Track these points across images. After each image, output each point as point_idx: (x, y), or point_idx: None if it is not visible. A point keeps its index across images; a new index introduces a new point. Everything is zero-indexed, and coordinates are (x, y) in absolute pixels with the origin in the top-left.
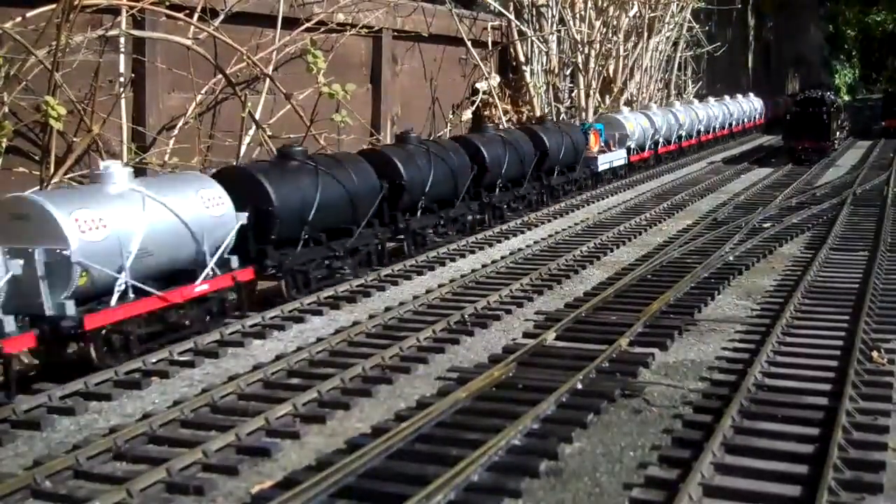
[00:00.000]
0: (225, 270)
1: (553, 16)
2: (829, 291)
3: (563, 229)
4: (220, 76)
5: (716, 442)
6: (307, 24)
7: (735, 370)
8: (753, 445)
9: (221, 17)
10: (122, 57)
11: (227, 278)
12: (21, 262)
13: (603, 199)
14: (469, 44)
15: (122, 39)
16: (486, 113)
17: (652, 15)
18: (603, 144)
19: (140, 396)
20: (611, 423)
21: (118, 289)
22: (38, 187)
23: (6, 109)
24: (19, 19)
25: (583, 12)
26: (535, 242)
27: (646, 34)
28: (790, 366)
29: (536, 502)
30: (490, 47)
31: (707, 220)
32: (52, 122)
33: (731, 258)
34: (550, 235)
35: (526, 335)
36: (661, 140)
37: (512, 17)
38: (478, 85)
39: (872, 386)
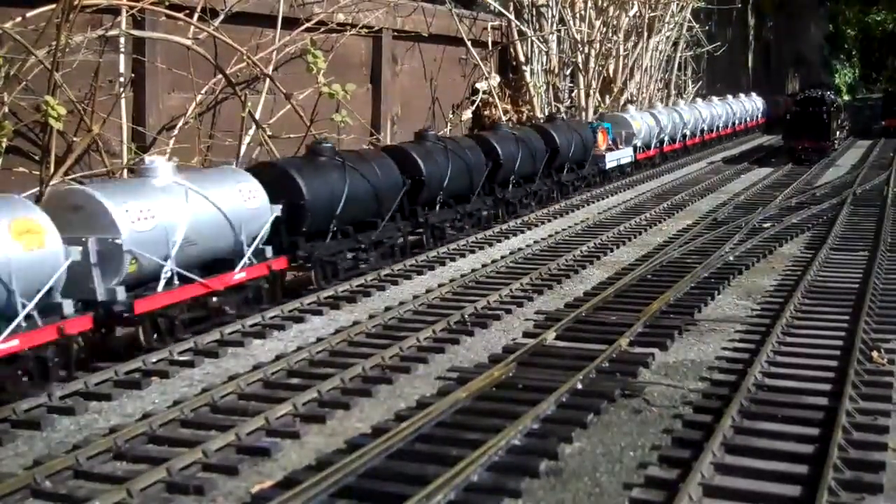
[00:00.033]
0: (260, 260)
1: (553, 16)
2: (829, 291)
3: (563, 229)
4: (220, 76)
5: (716, 442)
6: (307, 24)
7: (735, 370)
8: (753, 445)
9: (221, 17)
10: (122, 57)
11: (263, 267)
12: (80, 249)
13: (603, 198)
14: (469, 44)
15: (122, 39)
16: (486, 113)
17: (652, 15)
18: (610, 142)
19: (140, 396)
20: (611, 423)
21: (164, 276)
22: (38, 187)
23: (6, 109)
24: (19, 19)
25: (583, 12)
26: (535, 242)
27: (646, 34)
28: (790, 366)
29: (536, 502)
30: (490, 47)
31: (707, 220)
32: (52, 122)
33: (731, 258)
34: (550, 235)
35: (526, 335)
36: (666, 138)
37: (512, 17)
38: (478, 85)
39: (872, 386)
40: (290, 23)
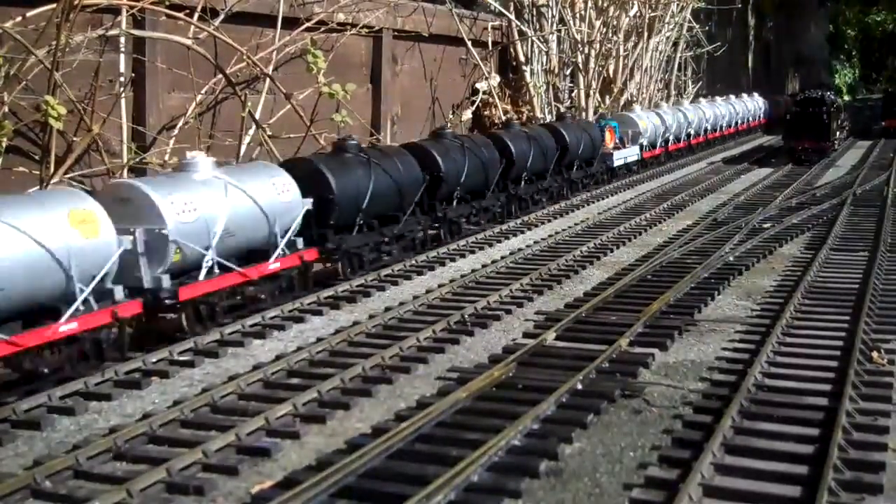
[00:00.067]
0: (293, 251)
1: (553, 16)
2: (829, 292)
3: (563, 229)
4: (220, 76)
5: (716, 442)
6: (307, 24)
7: (735, 370)
8: (753, 446)
9: (221, 16)
10: (122, 57)
11: (295, 258)
12: (131, 238)
13: (603, 198)
14: (469, 44)
15: (122, 39)
16: (486, 113)
17: (652, 15)
18: (618, 141)
19: (140, 396)
20: (611, 424)
21: (206, 265)
22: (38, 187)
23: (6, 109)
24: (19, 19)
25: (583, 12)
26: (535, 242)
27: (646, 34)
28: (790, 366)
29: (536, 502)
30: (490, 47)
31: (707, 221)
32: (52, 121)
33: (731, 258)
34: (550, 235)
35: (526, 335)
36: (671, 137)
37: (512, 17)
38: (478, 85)
39: (872, 386)
40: (290, 23)
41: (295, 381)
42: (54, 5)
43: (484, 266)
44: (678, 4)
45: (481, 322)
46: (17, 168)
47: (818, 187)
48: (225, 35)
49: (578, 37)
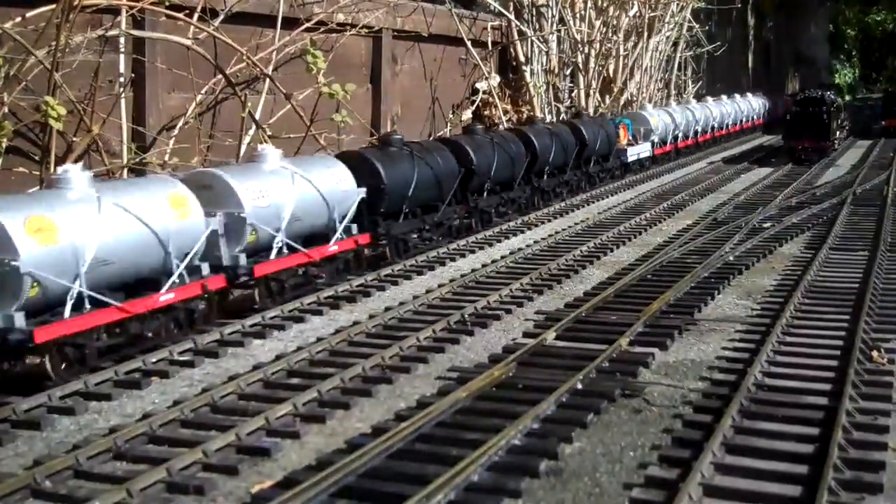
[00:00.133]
0: (348, 235)
1: (553, 16)
2: (829, 291)
3: (563, 229)
4: (220, 76)
5: (716, 442)
6: (307, 24)
7: (735, 370)
8: (753, 445)
9: (221, 17)
10: (122, 57)
11: (351, 242)
12: (217, 219)
13: (603, 198)
14: (469, 44)
15: (122, 39)
16: (486, 113)
17: (652, 15)
18: (630, 138)
19: (140, 396)
20: (611, 423)
21: (276, 246)
22: (38, 187)
23: (6, 109)
24: (19, 19)
25: (583, 12)
26: (535, 242)
27: (646, 34)
28: (790, 365)
29: (536, 502)
30: (490, 47)
31: (707, 220)
32: (52, 122)
33: (731, 258)
34: (550, 235)
35: (526, 335)
36: (680, 135)
37: (512, 17)
38: (478, 85)
39: (872, 386)
40: (290, 23)
41: (295, 380)
42: (54, 5)
43: (484, 266)
44: (678, 4)
45: (481, 322)
46: (17, 168)
47: (818, 187)
48: (225, 35)
49: (578, 37)
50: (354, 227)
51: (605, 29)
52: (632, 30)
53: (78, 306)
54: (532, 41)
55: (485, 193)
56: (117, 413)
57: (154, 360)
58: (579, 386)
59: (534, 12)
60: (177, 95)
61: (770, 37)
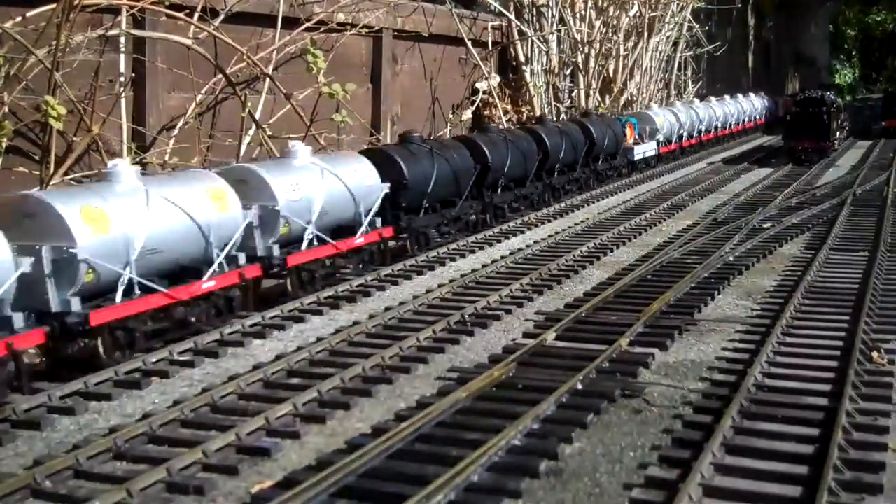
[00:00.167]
0: (373, 228)
1: (553, 16)
2: (829, 292)
3: (563, 229)
4: (220, 76)
5: (716, 442)
6: (307, 24)
7: (735, 370)
8: (753, 446)
9: (221, 16)
10: (122, 57)
11: (375, 235)
12: (253, 212)
13: (603, 198)
14: (469, 44)
15: (122, 39)
16: (486, 113)
17: (652, 15)
18: (637, 137)
19: (140, 396)
20: (611, 424)
21: (307, 237)
22: (37, 187)
23: (6, 109)
24: (19, 19)
25: (583, 12)
26: (535, 242)
27: (646, 34)
28: (790, 366)
29: (536, 502)
30: (490, 47)
31: (707, 221)
32: (52, 122)
33: (731, 258)
34: (550, 235)
35: (526, 335)
36: (685, 134)
37: (512, 17)
38: (478, 85)
39: (872, 386)
40: (290, 23)
41: (295, 380)
42: (54, 5)
43: (484, 266)
44: (678, 4)
45: (481, 322)
46: (17, 168)
47: (818, 187)
48: (225, 35)
49: (578, 37)
50: (378, 221)
51: (605, 29)
52: (632, 30)
53: (128, 292)
54: (532, 41)
55: (499, 190)
56: (117, 413)
57: (154, 360)
58: (579, 386)
59: (534, 12)
60: (177, 95)
61: (770, 37)
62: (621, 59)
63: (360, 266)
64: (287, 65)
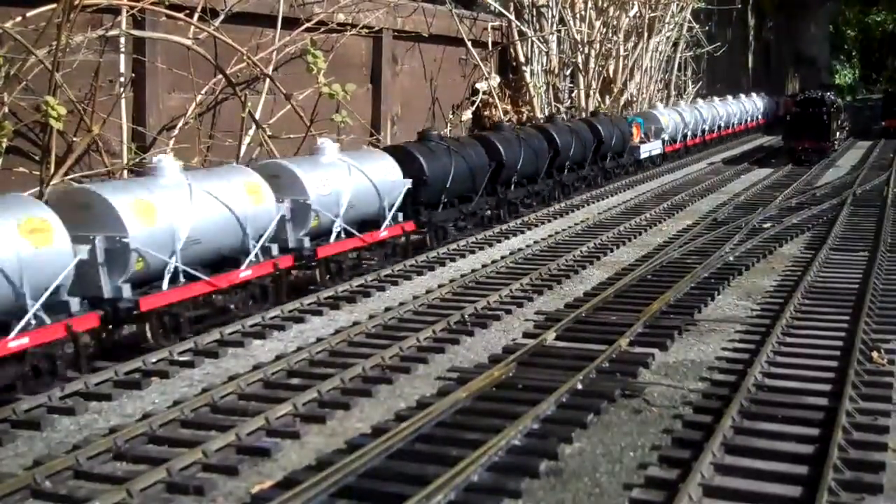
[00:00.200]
0: (396, 222)
1: (553, 16)
2: (829, 292)
3: (563, 229)
4: (220, 76)
5: (716, 442)
6: (307, 24)
7: (735, 370)
8: (753, 446)
9: (221, 17)
10: (122, 57)
11: (398, 228)
12: (286, 205)
13: (603, 198)
14: (469, 44)
15: (122, 39)
16: (486, 113)
17: (652, 15)
18: (643, 136)
19: (140, 396)
20: (611, 424)
21: (335, 230)
22: (37, 187)
23: (6, 109)
24: (19, 19)
25: (583, 12)
26: (535, 242)
27: (646, 34)
28: (790, 366)
29: (536, 502)
30: (490, 47)
31: (707, 221)
32: (52, 122)
33: (731, 258)
34: (550, 235)
35: (526, 335)
36: (689, 133)
37: (512, 17)
38: (478, 85)
39: (872, 386)
40: (290, 23)
41: (295, 381)
42: (54, 5)
43: (484, 266)
44: (678, 4)
45: (481, 322)
46: (17, 168)
47: (818, 187)
48: (225, 35)
49: (578, 37)
50: (400, 215)
51: (605, 29)
52: (632, 30)
53: (173, 280)
54: (532, 41)
55: (512, 186)
56: (117, 413)
57: (154, 360)
58: (579, 386)
59: (534, 12)
60: (177, 95)
61: (770, 37)
62: (621, 59)
63: (385, 258)
64: (287, 65)
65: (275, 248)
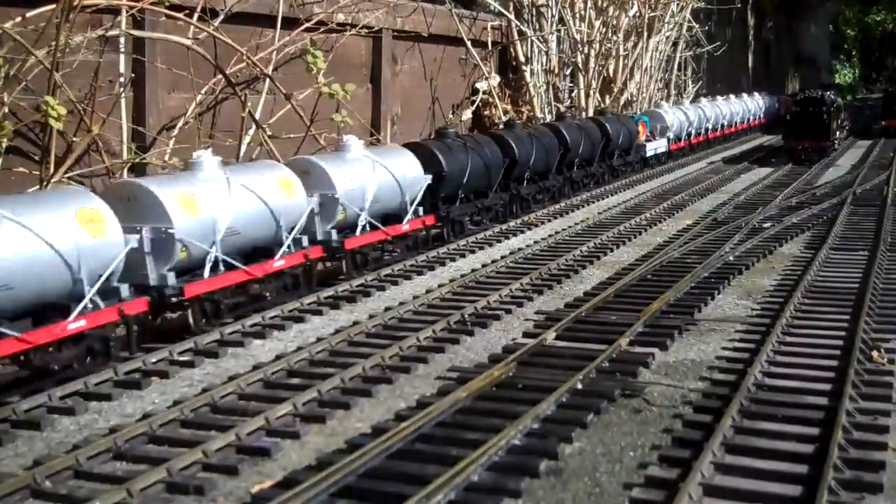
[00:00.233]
0: (416, 216)
1: (553, 16)
2: (829, 291)
3: (563, 229)
4: (220, 76)
5: (716, 442)
6: (307, 24)
7: (735, 370)
8: (753, 445)
9: (221, 17)
10: (122, 57)
11: (419, 222)
12: (315, 199)
13: (603, 198)
14: (469, 44)
15: (122, 39)
16: (486, 113)
17: (652, 15)
18: (648, 134)
19: (140, 396)
20: (611, 423)
21: (360, 223)
22: (37, 187)
23: (6, 109)
24: (19, 19)
25: (583, 12)
26: (535, 242)
27: (646, 34)
28: (790, 365)
29: (536, 502)
30: (490, 47)
31: (707, 220)
32: (52, 122)
33: (731, 258)
34: (550, 235)
35: (526, 335)
36: (693, 132)
37: (512, 17)
38: (478, 85)
39: (872, 386)
40: (290, 23)
41: (295, 380)
42: (54, 5)
43: (484, 266)
44: (678, 4)
45: (481, 322)
46: (17, 168)
47: (818, 187)
48: (225, 35)
49: (578, 37)
50: (420, 209)
51: (604, 29)
52: (632, 30)
53: (213, 268)
54: (532, 41)
55: (524, 182)
56: (117, 413)
57: (154, 360)
58: (579, 386)
59: (534, 12)
60: (177, 95)
61: (770, 37)
62: (621, 59)
63: (406, 251)
64: (287, 65)
65: (305, 240)
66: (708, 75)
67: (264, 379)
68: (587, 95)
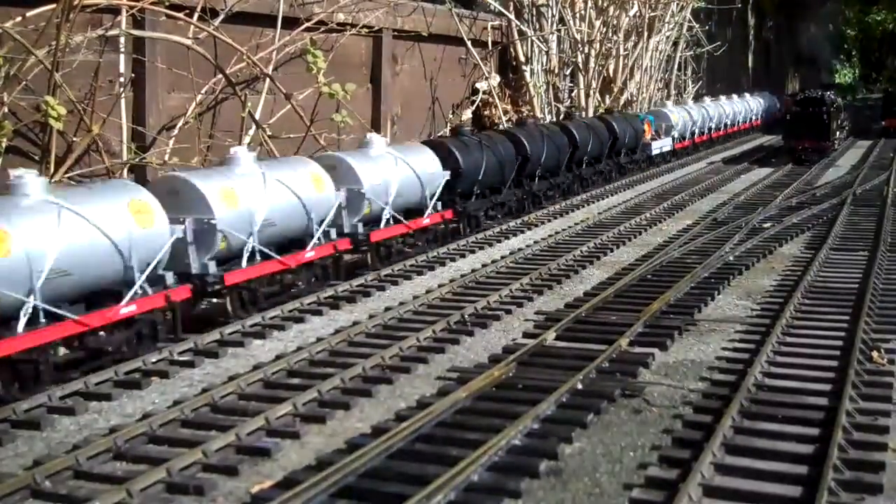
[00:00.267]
0: (435, 211)
1: (553, 15)
2: (829, 291)
3: (563, 229)
4: (220, 76)
5: (716, 442)
6: (307, 24)
7: (735, 370)
8: (753, 446)
9: (221, 16)
10: (122, 57)
11: (438, 216)
12: (342, 193)
13: (603, 198)
14: (469, 44)
15: (122, 39)
16: (486, 113)
17: (652, 14)
18: (653, 133)
19: (140, 396)
20: (611, 424)
21: (385, 217)
22: None
23: (6, 109)
24: (19, 19)
25: (583, 12)
26: (535, 242)
27: (646, 34)
28: (790, 366)
29: (536, 502)
30: (490, 47)
31: (707, 220)
32: (52, 122)
33: (731, 258)
34: (550, 235)
35: (526, 335)
36: (697, 131)
37: (512, 16)
38: (478, 85)
39: (872, 386)
40: (290, 23)
41: (295, 380)
42: (54, 5)
43: (484, 266)
44: (678, 4)
45: (481, 322)
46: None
47: (818, 187)
48: (225, 35)
49: (578, 36)
50: (439, 204)
51: (605, 29)
52: (632, 30)
53: (250, 258)
54: (532, 41)
55: (536, 179)
56: (117, 413)
57: (154, 360)
58: (579, 386)
59: (534, 12)
60: (177, 95)
61: (770, 37)
62: (621, 58)
63: (427, 244)
64: (287, 65)
65: (333, 232)
66: (708, 75)
67: (264, 379)
68: (587, 95)
